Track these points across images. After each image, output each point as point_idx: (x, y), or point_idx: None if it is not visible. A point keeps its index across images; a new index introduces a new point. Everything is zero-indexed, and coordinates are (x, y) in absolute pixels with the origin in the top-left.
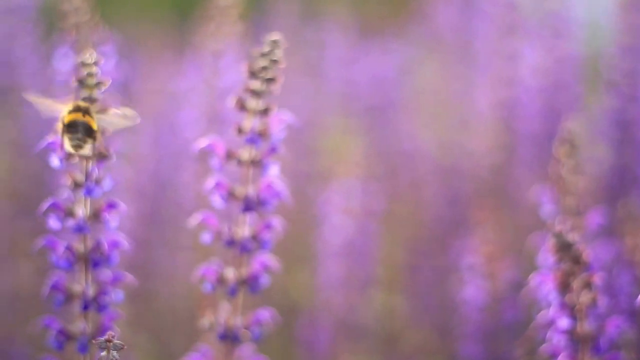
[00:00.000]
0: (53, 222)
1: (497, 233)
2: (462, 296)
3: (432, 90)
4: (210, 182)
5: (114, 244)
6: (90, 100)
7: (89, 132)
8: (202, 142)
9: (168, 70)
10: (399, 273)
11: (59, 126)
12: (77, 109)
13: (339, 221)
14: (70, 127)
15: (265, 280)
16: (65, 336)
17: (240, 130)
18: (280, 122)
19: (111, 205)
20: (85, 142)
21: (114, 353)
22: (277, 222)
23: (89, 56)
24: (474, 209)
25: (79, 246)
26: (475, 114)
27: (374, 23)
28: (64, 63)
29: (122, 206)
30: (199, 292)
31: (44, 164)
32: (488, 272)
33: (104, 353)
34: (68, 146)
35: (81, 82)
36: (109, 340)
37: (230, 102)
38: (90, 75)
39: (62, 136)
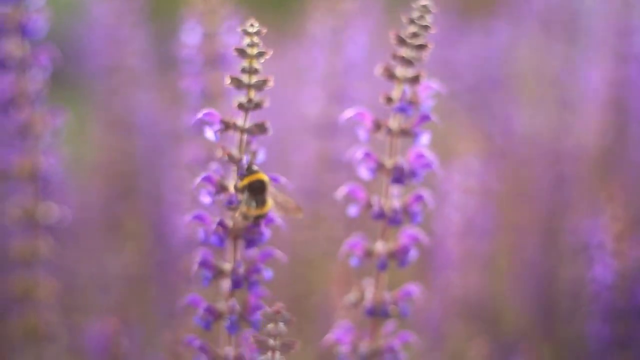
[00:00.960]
0: (204, 197)
1: (625, 210)
2: (590, 275)
3: (535, 70)
4: (358, 153)
5: (268, 220)
6: (250, 71)
7: None
8: (349, 112)
9: (287, 47)
10: (507, 254)
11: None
12: None
13: (460, 199)
14: None
15: (414, 254)
16: (212, 315)
17: (389, 99)
18: (429, 89)
19: (271, 179)
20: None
21: (282, 325)
22: (427, 194)
23: (251, 25)
24: (598, 187)
25: (229, 222)
26: (582, 93)
27: (475, 2)
28: (191, 37)
29: (281, 180)
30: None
31: (148, 144)
32: (617, 250)
33: (271, 325)
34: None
35: (241, 52)
36: (278, 312)
37: (378, 70)
38: (251, 45)
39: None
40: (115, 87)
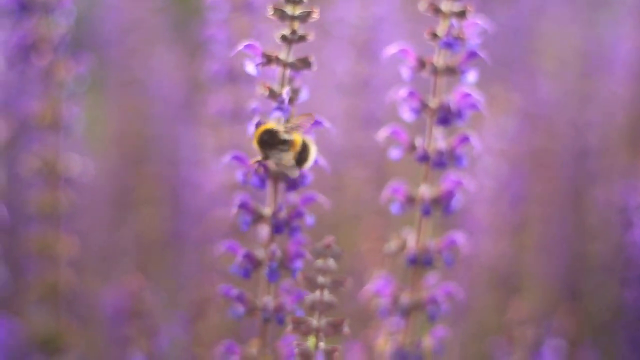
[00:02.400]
0: (249, 130)
1: None
2: (629, 238)
3: (561, 39)
4: (402, 92)
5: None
6: (294, 2)
7: None
8: (392, 49)
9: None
10: (536, 222)
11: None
12: None
13: (491, 163)
14: None
15: (459, 200)
16: (252, 262)
17: (434, 35)
18: (476, 26)
19: (314, 123)
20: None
21: (332, 261)
22: (473, 137)
23: None
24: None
25: (271, 164)
26: (609, 61)
27: None
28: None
29: (320, 121)
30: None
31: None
32: None
33: (320, 261)
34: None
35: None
36: (328, 246)
37: (423, 4)
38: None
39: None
40: (132, 46)
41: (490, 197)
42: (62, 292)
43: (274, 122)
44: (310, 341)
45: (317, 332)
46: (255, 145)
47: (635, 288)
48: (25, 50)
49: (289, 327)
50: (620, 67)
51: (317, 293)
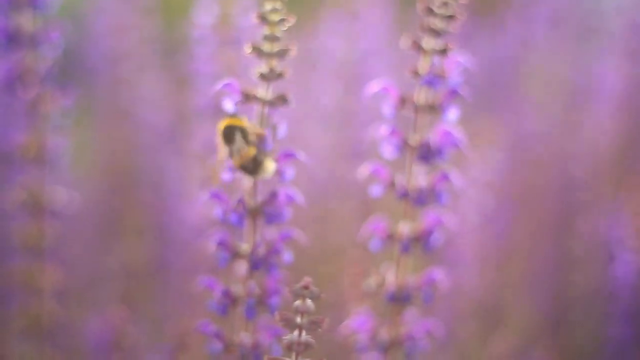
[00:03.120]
0: (225, 174)
1: None
2: (610, 274)
3: (547, 70)
4: (383, 129)
5: (288, 198)
6: (272, 39)
7: None
8: (375, 86)
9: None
10: (521, 254)
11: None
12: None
13: (475, 195)
14: None
15: (439, 237)
16: (229, 299)
17: (415, 73)
18: (457, 64)
19: (289, 155)
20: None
21: (310, 302)
22: (454, 174)
23: None
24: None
25: (250, 200)
26: (595, 92)
27: (483, 4)
28: (205, 17)
29: (301, 156)
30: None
31: (152, 134)
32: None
33: (299, 302)
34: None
35: (263, 18)
36: (306, 287)
37: (404, 41)
38: (273, 11)
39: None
40: (120, 76)
41: (475, 230)
42: (45, 323)
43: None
44: None
45: None
46: (219, 138)
47: (618, 323)
48: (12, 83)
49: None
50: (607, 98)
51: (295, 333)
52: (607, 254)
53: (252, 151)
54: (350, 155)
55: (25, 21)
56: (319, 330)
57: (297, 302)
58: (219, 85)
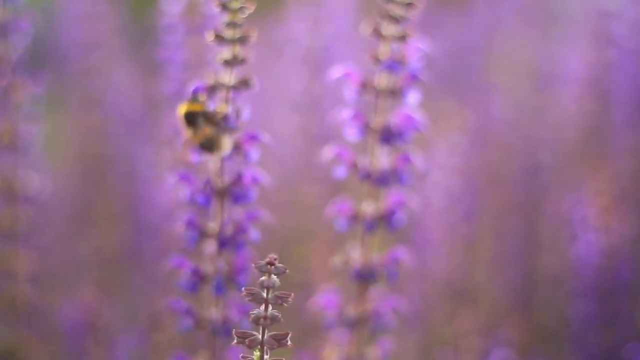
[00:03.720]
0: (192, 156)
1: (609, 184)
2: (574, 251)
3: (512, 56)
4: (346, 113)
5: (254, 179)
6: (233, 25)
7: None
8: (337, 71)
9: (266, 21)
10: (487, 236)
11: None
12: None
13: (441, 179)
14: None
15: (402, 216)
16: (198, 277)
17: (376, 58)
18: (417, 49)
19: (252, 137)
20: None
21: (275, 278)
22: (416, 156)
23: None
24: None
25: (217, 181)
26: (560, 77)
27: None
28: (173, 5)
29: (264, 138)
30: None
31: (122, 122)
32: (602, 225)
33: (264, 277)
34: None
35: (224, 6)
36: (270, 263)
37: (365, 28)
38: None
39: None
40: (91, 64)
41: (441, 212)
42: (20, 306)
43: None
44: (256, 354)
45: (261, 345)
46: (181, 121)
47: (582, 299)
48: None
49: (234, 341)
50: (571, 83)
51: (261, 308)
52: (572, 234)
53: (207, 130)
54: (316, 139)
55: None
56: (285, 305)
57: (263, 278)
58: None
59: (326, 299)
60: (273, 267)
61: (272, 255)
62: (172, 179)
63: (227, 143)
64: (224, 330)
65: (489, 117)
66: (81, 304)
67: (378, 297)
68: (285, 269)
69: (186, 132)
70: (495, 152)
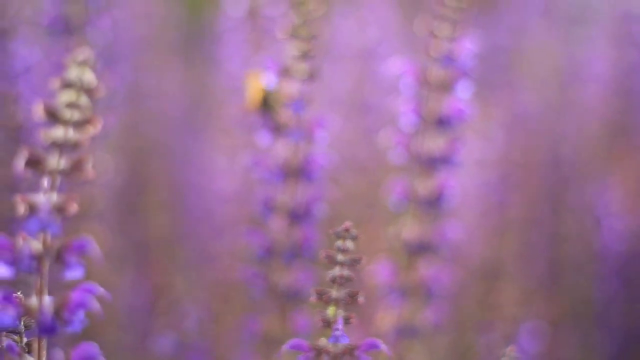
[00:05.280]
0: (264, 137)
1: (632, 174)
2: (597, 233)
3: (542, 55)
4: (404, 103)
5: (323, 159)
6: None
7: None
8: (395, 65)
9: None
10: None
11: None
12: None
13: (477, 169)
14: None
15: (452, 196)
16: (270, 247)
17: (430, 55)
18: (466, 47)
19: (321, 122)
20: None
21: (350, 242)
22: (466, 140)
23: None
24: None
25: (292, 162)
26: (588, 76)
27: None
28: (236, 8)
29: (334, 122)
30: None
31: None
32: (625, 207)
33: (340, 242)
34: None
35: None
36: (346, 229)
37: (418, 26)
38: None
39: None
40: (146, 60)
41: (475, 202)
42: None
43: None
44: (331, 310)
45: (336, 301)
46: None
47: (605, 282)
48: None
49: (312, 297)
50: (595, 81)
51: (337, 269)
52: (596, 221)
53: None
54: (364, 135)
55: (77, 10)
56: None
57: (339, 242)
58: (261, 62)
59: (382, 268)
60: (348, 232)
61: (348, 223)
62: (246, 160)
63: (278, 106)
64: (293, 293)
65: (518, 113)
66: (149, 280)
67: (429, 268)
68: (358, 235)
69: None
70: (524, 145)
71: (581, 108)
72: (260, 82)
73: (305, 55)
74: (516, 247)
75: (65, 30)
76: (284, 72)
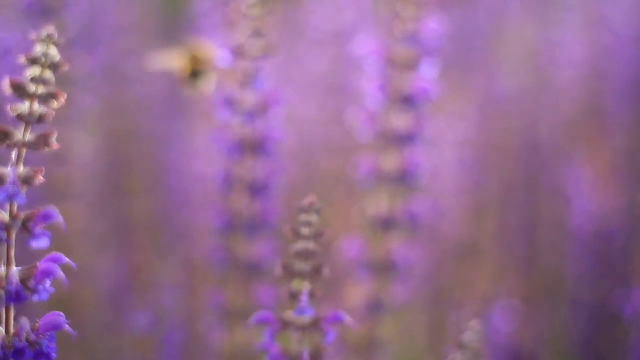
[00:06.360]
0: (222, 113)
1: (604, 156)
2: (570, 213)
3: (518, 38)
4: (370, 83)
5: (279, 136)
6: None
7: None
8: (362, 45)
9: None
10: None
11: None
12: None
13: (454, 152)
14: None
15: (421, 176)
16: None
17: (394, 35)
18: (430, 27)
19: (276, 99)
20: None
21: (315, 215)
22: (432, 118)
23: None
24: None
25: (248, 137)
26: (562, 59)
27: None
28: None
29: (285, 98)
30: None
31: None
32: (597, 188)
33: (304, 215)
34: None
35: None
36: (311, 203)
37: (385, 9)
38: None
39: None
40: (125, 45)
41: (450, 184)
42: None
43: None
44: (296, 282)
45: (301, 275)
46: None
47: (575, 258)
48: None
49: (278, 271)
50: (570, 64)
51: (301, 242)
52: (568, 201)
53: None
54: (336, 116)
55: None
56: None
57: (304, 216)
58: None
59: (350, 244)
60: (312, 206)
61: (311, 197)
62: (209, 138)
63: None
64: (256, 266)
65: (493, 97)
66: (128, 260)
67: (398, 244)
68: (323, 207)
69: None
70: (499, 128)
71: (556, 90)
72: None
73: (258, 34)
74: (492, 227)
75: (42, 13)
76: (238, 50)
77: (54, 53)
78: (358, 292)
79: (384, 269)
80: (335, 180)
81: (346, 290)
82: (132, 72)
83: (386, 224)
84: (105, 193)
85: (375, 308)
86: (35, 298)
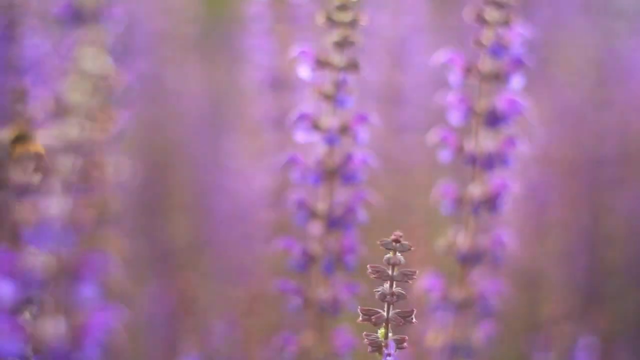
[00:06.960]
0: (300, 135)
1: None
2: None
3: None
4: (450, 97)
5: (363, 160)
6: (344, 8)
7: None
8: (442, 56)
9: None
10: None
11: None
12: None
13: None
14: None
15: (505, 201)
16: (308, 257)
17: (479, 43)
18: (519, 35)
19: (362, 118)
20: None
21: (400, 255)
22: (520, 139)
23: None
24: None
25: (328, 161)
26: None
27: None
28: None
29: (374, 118)
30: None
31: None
32: None
33: (389, 254)
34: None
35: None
36: (396, 240)
37: (467, 14)
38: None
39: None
40: (165, 54)
41: (518, 202)
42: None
43: None
44: (381, 332)
45: (386, 322)
46: None
47: None
48: None
49: (360, 318)
50: (635, 76)
51: (387, 285)
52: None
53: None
54: (397, 129)
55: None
56: (410, 282)
57: (389, 255)
58: (293, 53)
59: (430, 282)
60: (399, 244)
61: (397, 232)
62: (280, 160)
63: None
64: (333, 309)
65: (557, 109)
66: (174, 290)
67: (481, 281)
68: (411, 246)
69: None
70: (564, 143)
71: (622, 104)
72: None
73: (344, 43)
74: (558, 252)
75: (76, 20)
76: (321, 63)
77: (106, 66)
78: (440, 335)
79: (469, 306)
80: (399, 204)
81: (427, 332)
82: (171, 83)
83: (473, 258)
84: (145, 216)
85: (461, 352)
86: (84, 357)
